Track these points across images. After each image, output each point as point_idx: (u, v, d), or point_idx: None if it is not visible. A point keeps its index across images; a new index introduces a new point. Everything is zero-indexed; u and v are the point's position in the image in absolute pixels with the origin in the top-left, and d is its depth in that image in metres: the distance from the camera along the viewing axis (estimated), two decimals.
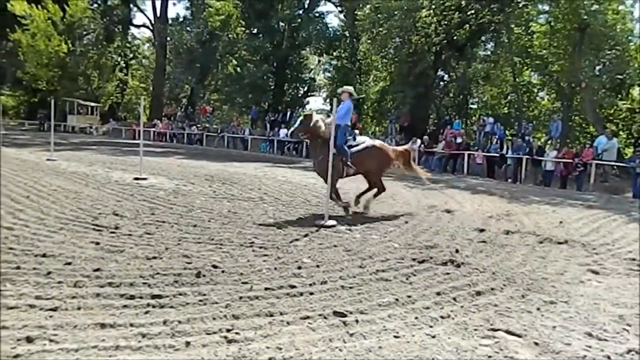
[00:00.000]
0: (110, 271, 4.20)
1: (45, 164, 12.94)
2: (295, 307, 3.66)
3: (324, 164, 7.23)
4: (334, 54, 32.61)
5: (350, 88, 8.02)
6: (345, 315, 3.53)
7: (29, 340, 2.87)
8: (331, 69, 34.38)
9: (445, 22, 21.56)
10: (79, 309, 3.41)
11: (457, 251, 5.54)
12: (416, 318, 3.57)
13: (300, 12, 31.58)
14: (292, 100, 33.25)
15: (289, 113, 28.78)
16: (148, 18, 41.12)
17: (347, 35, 31.09)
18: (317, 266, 4.74)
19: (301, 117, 7.81)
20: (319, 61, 37.26)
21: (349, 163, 7.58)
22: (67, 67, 36.36)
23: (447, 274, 4.70)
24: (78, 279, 3.95)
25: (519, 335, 3.36)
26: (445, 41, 22.09)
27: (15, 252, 4.60)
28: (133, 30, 45.85)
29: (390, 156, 8.19)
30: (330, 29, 32.26)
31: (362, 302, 3.85)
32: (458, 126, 20.55)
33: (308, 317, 3.48)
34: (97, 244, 5.09)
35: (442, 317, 3.63)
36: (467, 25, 21.67)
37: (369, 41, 25.80)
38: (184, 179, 11.07)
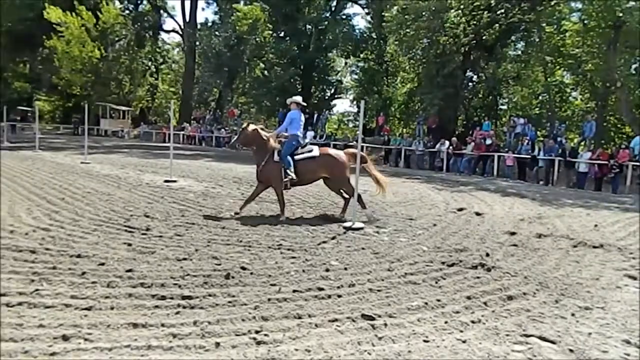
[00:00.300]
0: (142, 272, 4.28)
1: (80, 166, 13.30)
2: (323, 310, 3.66)
3: (266, 171, 7.33)
4: (361, 56, 32.52)
5: (298, 98, 7.91)
6: (373, 319, 3.51)
7: (65, 338, 2.96)
8: (358, 71, 34.32)
9: (474, 22, 21.24)
10: (112, 308, 3.48)
11: (487, 255, 5.45)
12: (446, 322, 3.52)
13: (327, 14, 31.64)
14: (319, 102, 33.29)
15: (315, 116, 28.79)
16: (178, 23, 41.89)
17: (374, 37, 30.95)
18: (345, 269, 4.73)
19: (241, 129, 7.77)
20: (346, 63, 37.25)
21: (288, 172, 7.31)
22: (100, 72, 37.33)
23: (478, 277, 4.62)
24: (111, 280, 4.04)
25: (552, 342, 3.28)
26: (474, 41, 21.75)
27: (51, 253, 4.74)
28: (163, 35, 46.81)
29: (343, 161, 7.62)
30: (357, 31, 32.20)
31: (391, 305, 3.82)
32: (488, 127, 20.22)
33: (336, 320, 3.47)
34: (129, 245, 5.20)
35: (472, 321, 3.56)
36: (497, 25, 21.29)
37: (396, 42, 25.59)
38: (213, 182, 11.20)
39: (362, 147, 8.07)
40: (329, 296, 3.96)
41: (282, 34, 33.33)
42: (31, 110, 38.03)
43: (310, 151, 7.64)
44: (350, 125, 39.11)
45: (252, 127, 7.60)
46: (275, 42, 32.84)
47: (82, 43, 35.21)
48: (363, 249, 5.57)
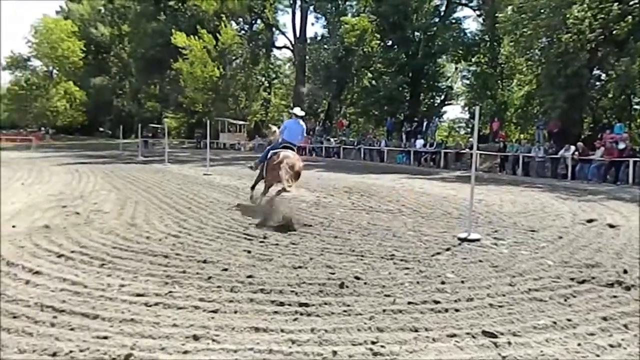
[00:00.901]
0: (261, 278, 4.48)
1: (202, 178, 14.35)
2: (440, 324, 3.54)
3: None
4: (473, 59, 31.33)
5: (295, 110, 9.40)
6: (495, 336, 3.32)
7: (195, 338, 3.18)
8: (470, 76, 33.07)
9: (602, 16, 19.41)
10: (235, 312, 3.68)
11: (625, 272, 4.90)
12: (579, 345, 3.22)
13: (436, 20, 30.98)
14: (429, 110, 32.67)
15: (425, 123, 28.26)
16: (289, 39, 43.71)
17: (487, 39, 29.65)
18: (462, 282, 4.54)
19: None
20: (456, 68, 36.16)
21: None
22: (219, 89, 40.19)
23: (614, 297, 4.17)
24: (234, 285, 4.28)
25: None
26: (601, 37, 19.90)
27: (181, 258, 5.15)
28: (275, 52, 49.12)
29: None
30: (469, 34, 31.11)
31: (514, 322, 3.58)
32: (620, 130, 18.26)
33: (455, 335, 3.34)
34: (249, 252, 5.48)
35: (611, 345, 3.22)
36: (630, 17, 19.28)
37: (511, 44, 24.28)
38: (324, 191, 11.43)
39: (477, 154, 7.77)
40: (446, 310, 3.83)
41: (389, 43, 33.31)
42: (161, 127, 42.03)
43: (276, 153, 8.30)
44: (462, 132, 37.78)
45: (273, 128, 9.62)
46: (383, 51, 32.89)
47: (203, 63, 38.17)
48: (480, 261, 5.31)
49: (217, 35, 38.60)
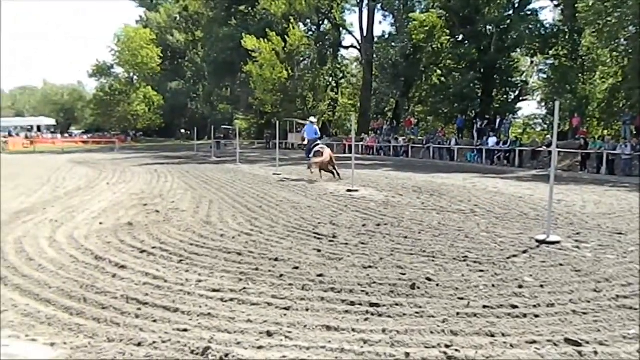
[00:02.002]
0: (331, 277, 4.51)
1: (272, 177, 14.67)
2: (518, 329, 3.39)
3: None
4: (550, 52, 29.63)
5: (312, 119, 15.38)
6: (579, 345, 3.13)
7: (269, 334, 3.25)
8: (547, 70, 31.33)
9: None
10: (307, 310, 3.73)
11: None
12: None
13: (510, 12, 29.64)
14: (502, 106, 31.34)
15: (498, 120, 27.16)
16: (356, 39, 43.64)
17: (566, 30, 27.97)
18: (541, 286, 4.33)
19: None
20: (532, 62, 34.48)
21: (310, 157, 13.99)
22: (287, 91, 40.91)
23: None
24: (305, 283, 4.33)
25: None
26: None
27: (254, 255, 5.29)
28: (342, 51, 49.26)
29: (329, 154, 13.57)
30: (546, 26, 29.46)
31: (601, 331, 3.36)
32: None
33: (535, 342, 3.18)
34: (319, 251, 5.52)
35: None
36: None
37: (594, 34, 22.76)
38: (393, 191, 11.32)
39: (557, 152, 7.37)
40: (525, 315, 3.66)
41: (460, 38, 32.36)
42: (232, 128, 43.47)
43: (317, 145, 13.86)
44: (538, 128, 35.99)
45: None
46: (453, 47, 32.01)
47: (272, 66, 39.00)
48: (561, 265, 5.03)
49: (286, 37, 39.30)
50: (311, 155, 13.85)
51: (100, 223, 7.07)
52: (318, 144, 13.96)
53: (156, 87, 59.15)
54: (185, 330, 3.31)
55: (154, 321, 3.48)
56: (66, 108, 79.42)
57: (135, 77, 60.24)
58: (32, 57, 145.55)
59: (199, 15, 55.91)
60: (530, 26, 28.79)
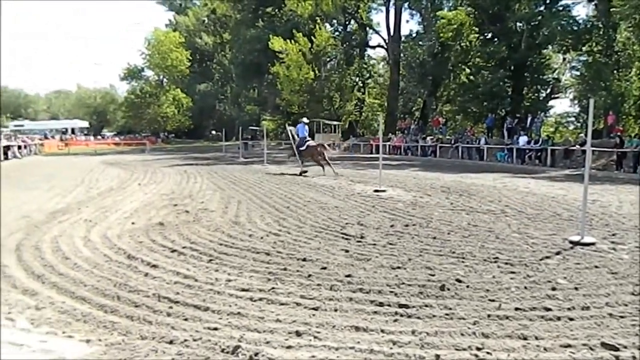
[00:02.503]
0: (359, 278, 4.50)
1: (299, 178, 14.72)
2: (552, 333, 3.31)
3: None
4: (584, 48, 28.84)
5: (304, 119, 17.39)
6: (617, 349, 3.04)
7: (298, 334, 3.27)
8: (580, 66, 30.50)
9: None
10: (335, 310, 3.73)
11: None
12: None
13: (541, 8, 28.96)
14: (533, 104, 30.69)
15: (529, 119, 26.59)
16: (382, 38, 43.45)
17: (600, 25, 27.17)
18: (576, 288, 4.22)
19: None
20: (564, 59, 33.64)
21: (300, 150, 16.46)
22: (314, 91, 41.02)
23: None
24: (333, 283, 4.33)
25: None
26: None
27: (282, 256, 5.32)
28: (369, 51, 49.12)
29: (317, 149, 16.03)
30: (579, 22, 28.67)
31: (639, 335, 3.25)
32: None
33: (569, 346, 3.10)
34: (347, 251, 5.52)
35: None
36: None
37: (629, 29, 22.08)
38: (421, 191, 11.22)
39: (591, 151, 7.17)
40: (558, 318, 3.57)
41: (489, 36, 31.85)
42: (259, 129, 43.83)
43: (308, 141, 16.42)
44: (571, 127, 35.12)
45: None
46: (482, 45, 31.53)
47: (299, 66, 39.17)
48: (596, 267, 4.89)
49: (312, 38, 39.41)
50: (303, 148, 16.27)
51: (133, 223, 7.22)
52: (309, 140, 16.68)
53: (185, 89, 60.22)
54: (215, 328, 3.35)
55: (185, 319, 3.54)
56: (99, 111, 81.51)
57: (164, 80, 61.47)
58: (65, 60, 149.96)
59: (226, 17, 56.64)
60: (563, 22, 28.03)
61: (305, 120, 17.37)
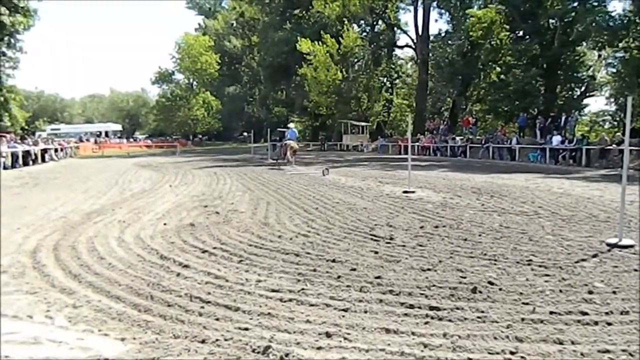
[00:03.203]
0: (389, 279, 4.47)
1: (327, 179, 14.72)
2: (589, 338, 3.21)
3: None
4: (620, 45, 27.95)
5: (290, 125, 25.19)
6: None
7: (328, 335, 3.26)
8: (616, 63, 29.56)
9: None
10: (365, 312, 3.71)
11: None
12: None
13: (575, 4, 28.21)
14: (567, 103, 29.93)
15: (563, 118, 25.94)
16: (411, 38, 43.13)
17: (638, 21, 26.27)
18: (614, 292, 4.08)
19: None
20: (599, 56, 32.68)
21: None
22: (342, 92, 41.01)
23: None
24: (363, 285, 4.32)
25: None
26: None
27: (311, 257, 5.33)
28: (397, 51, 48.81)
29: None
30: (615, 17, 27.79)
31: None
32: None
33: (608, 351, 3.01)
34: (376, 253, 5.49)
35: None
36: None
37: None
38: (450, 192, 11.07)
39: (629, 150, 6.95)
40: (596, 322, 3.46)
41: (520, 34, 31.22)
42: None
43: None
44: (607, 125, 34.09)
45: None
46: (513, 43, 30.96)
47: (327, 68, 39.25)
48: (635, 270, 4.72)
49: (340, 39, 39.41)
50: (280, 144, 22.46)
51: (165, 224, 7.36)
52: (287, 141, 21.14)
53: (214, 92, 61.12)
54: (246, 329, 3.38)
55: (217, 319, 3.58)
56: (131, 114, 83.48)
57: (194, 83, 62.50)
58: (99, 65, 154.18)
59: (254, 20, 57.23)
60: (598, 18, 27.25)
61: (291, 125, 25.54)
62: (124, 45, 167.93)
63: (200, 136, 62.26)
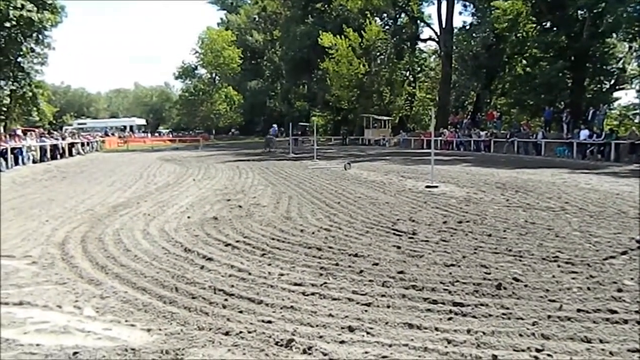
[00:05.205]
0: (412, 274, 4.44)
1: (349, 173, 14.69)
2: (618, 336, 3.14)
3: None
4: None
5: (275, 126, 37.50)
6: None
7: (351, 329, 3.26)
8: None
9: None
10: (388, 307, 3.70)
11: None
12: None
13: None
14: (595, 96, 29.14)
15: (591, 112, 25.30)
16: (434, 31, 42.54)
17: None
18: None
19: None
20: (630, 47, 31.70)
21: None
22: (364, 86, 40.80)
23: None
24: (385, 279, 4.30)
25: None
26: None
27: (333, 251, 5.33)
28: (420, 44, 48.24)
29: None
30: None
31: None
32: None
33: (637, 351, 2.93)
34: (398, 247, 5.46)
35: None
36: None
37: None
38: (474, 187, 10.93)
39: None
40: (625, 321, 3.38)
41: (547, 25, 30.49)
42: (309, 125, 44.05)
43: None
44: (637, 119, 33.16)
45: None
46: (540, 35, 30.24)
47: (349, 61, 39.08)
48: None
49: (362, 32, 39.16)
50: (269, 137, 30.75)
51: (188, 217, 7.45)
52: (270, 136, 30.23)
53: (236, 86, 61.44)
54: (269, 322, 3.40)
55: (240, 312, 3.61)
56: (155, 109, 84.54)
57: (217, 78, 62.95)
58: (124, 60, 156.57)
59: (276, 15, 57.31)
60: (629, 8, 26.43)
61: (276, 127, 35.93)
62: (149, 40, 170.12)
63: (232, 130, 62.78)
